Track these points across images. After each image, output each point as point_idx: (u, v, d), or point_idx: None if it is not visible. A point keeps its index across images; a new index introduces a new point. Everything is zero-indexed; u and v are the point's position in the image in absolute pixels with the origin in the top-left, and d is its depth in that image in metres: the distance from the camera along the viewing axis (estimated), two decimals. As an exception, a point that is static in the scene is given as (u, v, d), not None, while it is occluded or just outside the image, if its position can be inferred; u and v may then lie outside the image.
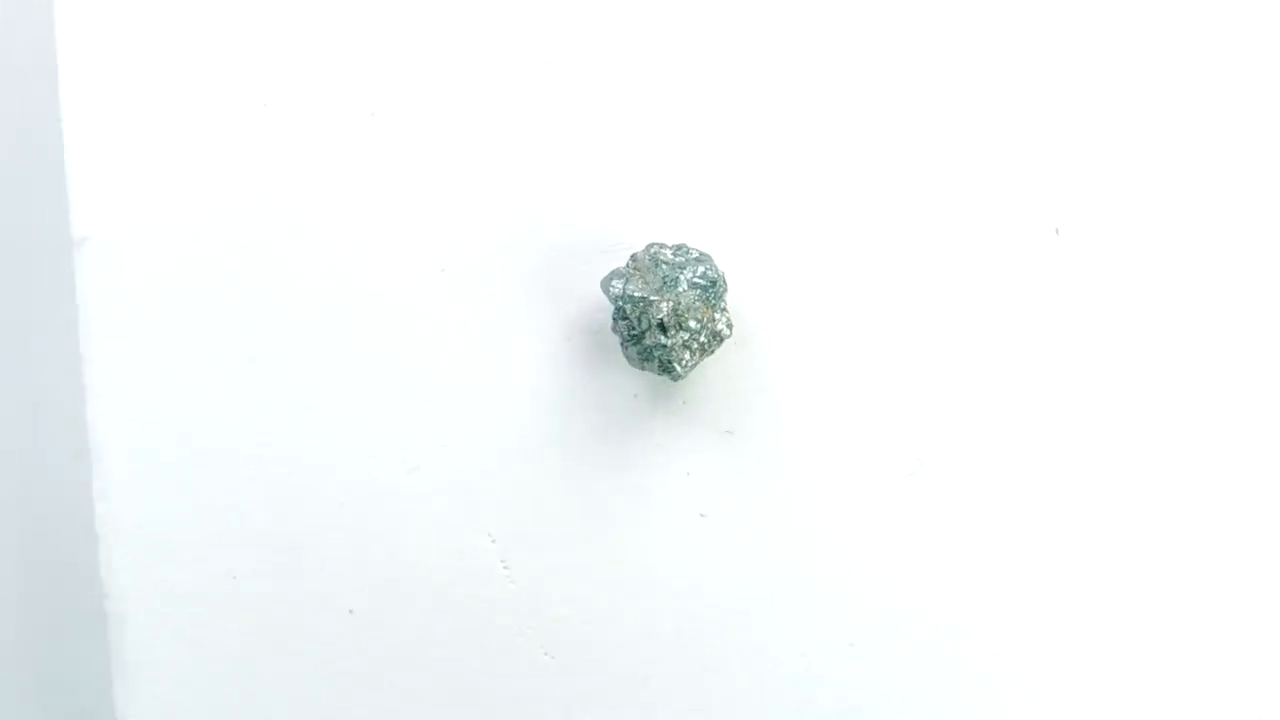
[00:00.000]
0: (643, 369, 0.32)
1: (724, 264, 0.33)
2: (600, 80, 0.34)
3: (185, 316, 0.35)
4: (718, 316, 0.32)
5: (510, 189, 0.34)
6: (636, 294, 0.32)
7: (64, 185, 0.34)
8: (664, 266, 0.32)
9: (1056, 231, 0.34)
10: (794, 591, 0.34)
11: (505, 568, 0.34)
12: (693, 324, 0.32)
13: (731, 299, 0.33)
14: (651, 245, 0.32)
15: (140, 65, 0.35)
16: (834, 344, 0.34)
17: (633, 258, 0.32)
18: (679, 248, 0.32)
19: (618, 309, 0.32)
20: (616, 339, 0.33)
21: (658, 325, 0.32)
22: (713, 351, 0.32)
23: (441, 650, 0.35)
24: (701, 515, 0.34)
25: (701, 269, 0.32)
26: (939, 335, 0.34)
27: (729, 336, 0.32)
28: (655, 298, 0.32)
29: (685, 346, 0.32)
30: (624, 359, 0.33)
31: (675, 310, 0.32)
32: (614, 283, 0.32)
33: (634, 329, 0.32)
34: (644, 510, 0.34)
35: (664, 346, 0.32)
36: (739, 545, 0.34)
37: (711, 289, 0.32)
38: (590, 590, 0.34)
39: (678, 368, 0.32)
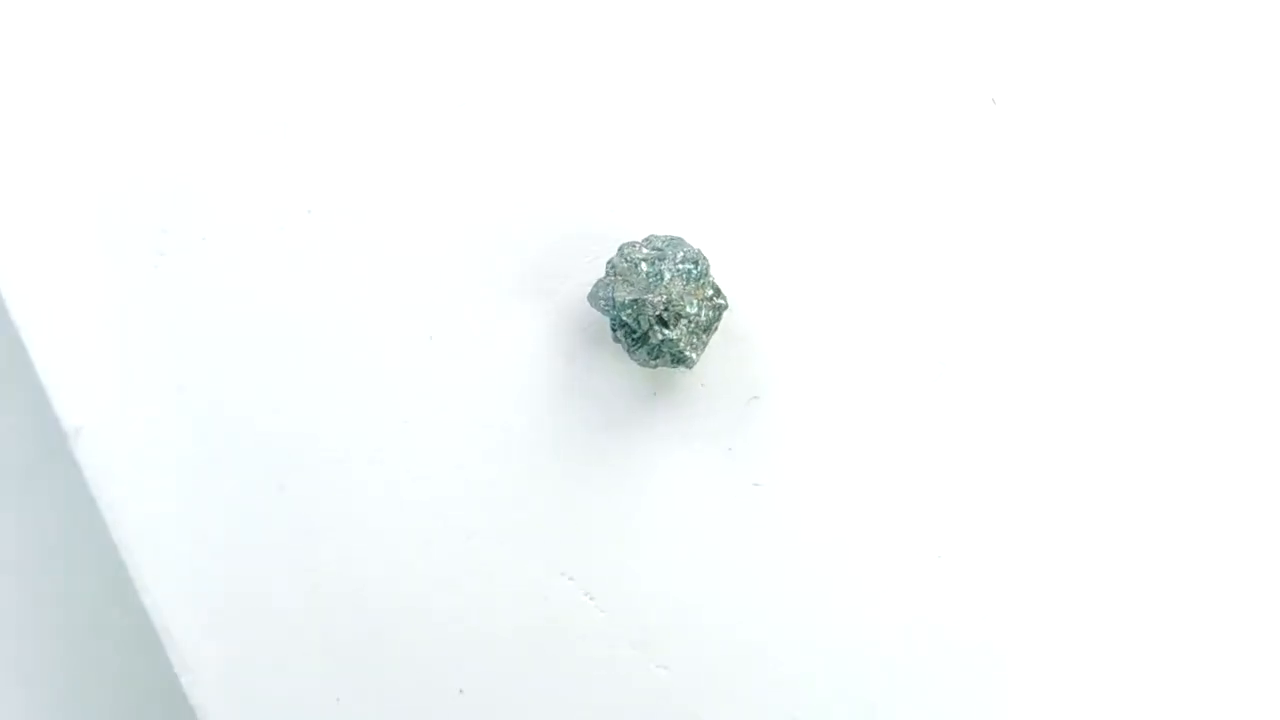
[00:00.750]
0: (655, 367, 0.33)
1: (708, 248, 0.34)
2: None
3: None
4: (710, 293, 0.32)
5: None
6: (628, 298, 0.32)
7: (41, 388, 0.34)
8: (644, 265, 0.32)
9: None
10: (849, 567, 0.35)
11: (588, 596, 0.35)
12: (690, 309, 0.32)
13: (722, 283, 0.33)
14: (623, 247, 0.33)
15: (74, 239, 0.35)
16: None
17: (610, 266, 0.33)
18: (648, 240, 0.33)
19: (614, 319, 0.32)
20: (620, 347, 0.33)
21: (658, 322, 0.32)
22: (716, 327, 0.33)
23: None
24: (755, 484, 0.35)
25: (680, 254, 0.32)
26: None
27: (726, 306, 0.33)
28: (648, 296, 0.32)
29: (691, 333, 0.32)
30: (632, 364, 0.33)
31: (669, 302, 0.32)
32: (602, 295, 0.32)
33: (635, 332, 0.32)
34: (692, 488, 0.35)
35: (670, 340, 0.32)
36: (793, 514, 0.35)
37: (695, 269, 0.32)
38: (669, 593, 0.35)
39: (690, 354, 0.32)
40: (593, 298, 0.33)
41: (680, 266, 0.32)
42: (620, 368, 0.34)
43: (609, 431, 0.34)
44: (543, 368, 0.35)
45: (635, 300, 0.32)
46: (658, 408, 0.34)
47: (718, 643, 0.34)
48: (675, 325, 0.32)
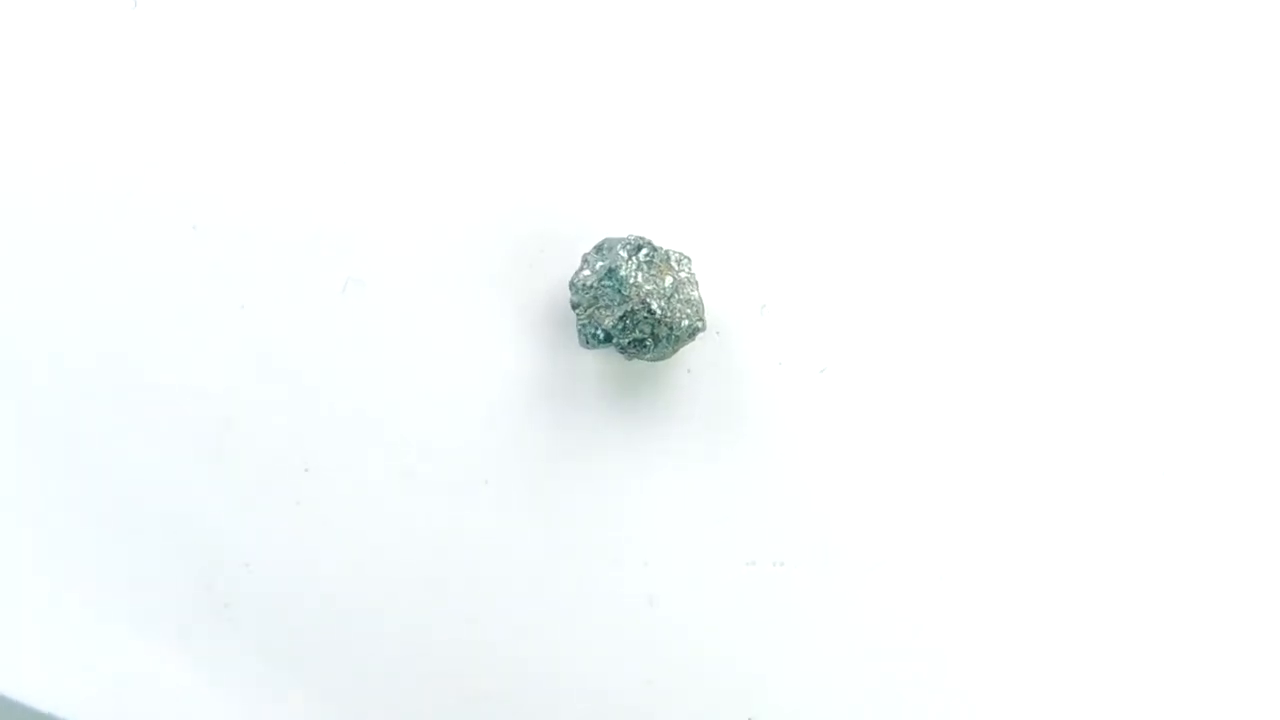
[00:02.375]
0: (678, 352, 0.34)
1: (688, 242, 0.35)
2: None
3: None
4: (674, 265, 0.33)
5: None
6: (619, 322, 0.33)
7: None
8: (606, 286, 0.33)
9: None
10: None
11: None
12: (668, 283, 0.33)
13: (703, 277, 0.34)
14: (574, 281, 0.33)
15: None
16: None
17: (577, 307, 0.33)
18: (588, 261, 0.33)
19: (620, 346, 0.33)
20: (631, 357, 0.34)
21: (657, 320, 0.33)
22: (695, 280, 0.33)
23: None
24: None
25: (626, 254, 0.33)
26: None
27: (689, 261, 0.33)
28: (638, 308, 0.33)
29: (684, 304, 0.33)
30: (650, 363, 0.34)
31: (655, 301, 0.33)
32: (598, 333, 0.33)
33: (646, 339, 0.33)
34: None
35: (680, 326, 0.33)
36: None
37: (652, 255, 0.33)
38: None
39: (698, 323, 0.33)
40: (589, 342, 0.33)
41: (639, 264, 0.33)
42: (604, 362, 0.35)
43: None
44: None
45: (626, 315, 0.33)
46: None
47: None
48: (670, 312, 0.33)
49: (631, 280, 0.33)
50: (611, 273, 0.33)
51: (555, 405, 0.35)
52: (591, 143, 0.36)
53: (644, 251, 0.33)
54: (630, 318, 0.33)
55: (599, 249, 0.33)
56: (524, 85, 0.36)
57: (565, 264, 0.35)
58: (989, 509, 0.35)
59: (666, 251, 0.33)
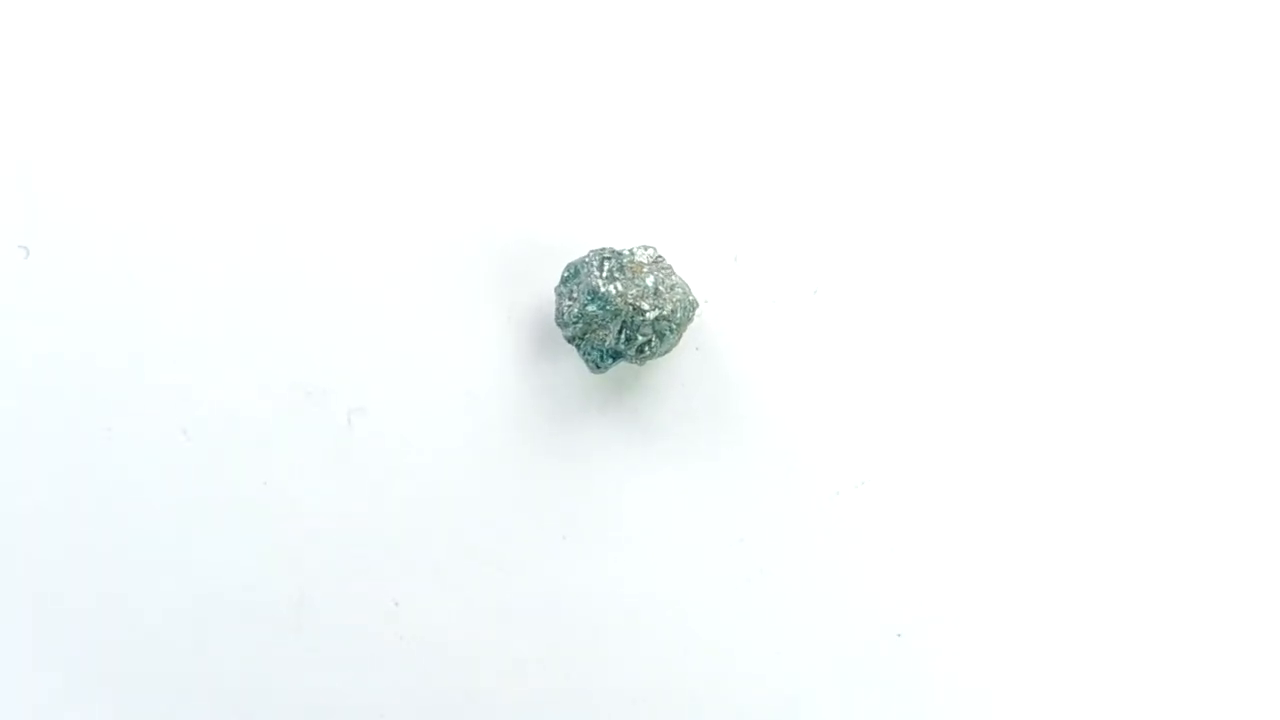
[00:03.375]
0: (681, 339, 0.34)
1: (673, 253, 0.35)
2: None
3: None
4: (644, 261, 0.33)
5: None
6: (619, 336, 0.33)
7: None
8: (593, 309, 0.33)
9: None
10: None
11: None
12: (650, 282, 0.33)
13: (689, 284, 0.35)
14: (560, 318, 0.33)
15: None
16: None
17: (574, 340, 0.33)
18: (563, 293, 0.33)
19: (630, 358, 0.33)
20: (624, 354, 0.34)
21: (654, 319, 0.33)
22: (670, 265, 0.34)
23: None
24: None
25: (597, 270, 0.33)
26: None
27: (654, 248, 0.34)
28: (633, 316, 0.33)
29: (670, 290, 0.33)
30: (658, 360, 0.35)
31: (645, 302, 0.33)
32: (605, 355, 0.33)
33: (650, 340, 0.33)
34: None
35: (676, 314, 0.33)
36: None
37: (620, 260, 0.33)
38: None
39: (692, 302, 0.34)
40: (596, 365, 0.33)
41: (610, 278, 0.33)
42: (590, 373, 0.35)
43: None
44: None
45: (620, 330, 0.33)
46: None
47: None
48: (660, 307, 0.33)
49: (614, 293, 0.33)
50: (593, 294, 0.33)
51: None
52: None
53: (610, 261, 0.33)
54: (629, 327, 0.33)
55: (566, 279, 0.33)
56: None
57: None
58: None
59: (630, 250, 0.33)
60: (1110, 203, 0.36)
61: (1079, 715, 0.35)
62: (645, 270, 0.33)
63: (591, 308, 0.33)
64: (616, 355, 0.33)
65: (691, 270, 0.35)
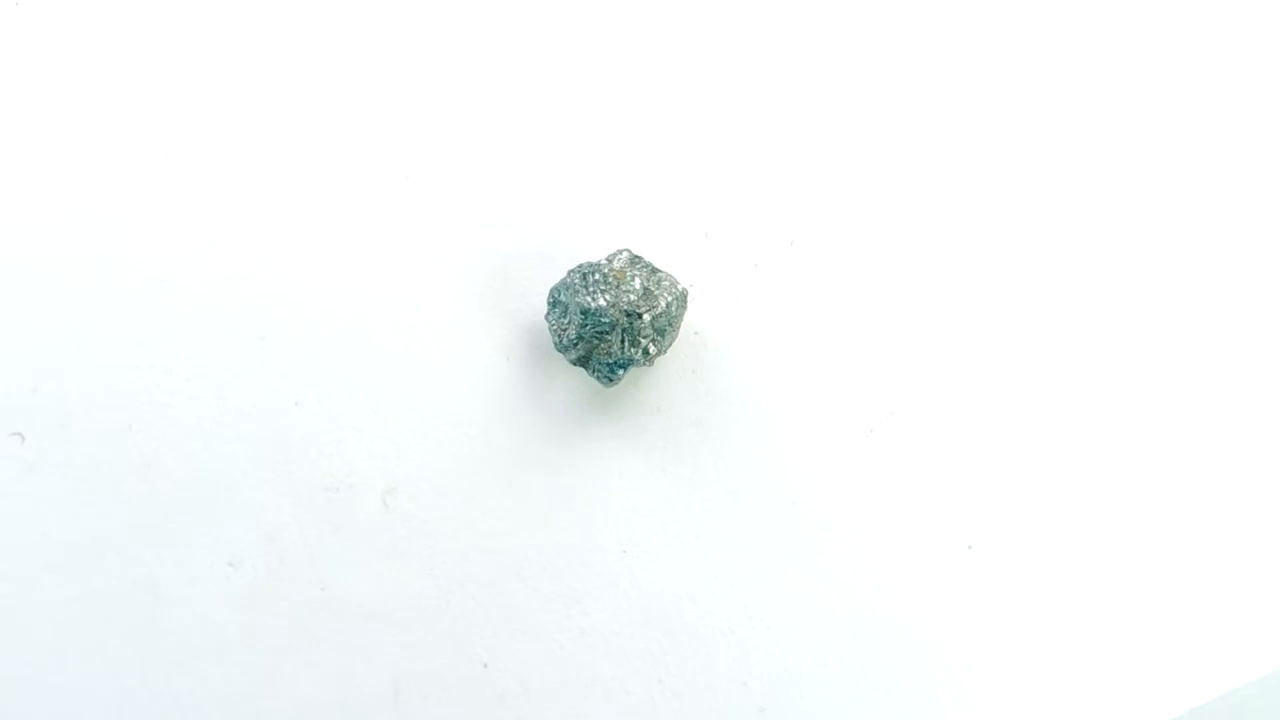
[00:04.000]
0: (677, 336, 0.34)
1: (668, 263, 0.35)
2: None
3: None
4: (622, 266, 0.33)
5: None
6: (622, 345, 0.33)
7: None
8: (591, 331, 0.33)
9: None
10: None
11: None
12: (637, 284, 0.33)
13: (685, 331, 0.35)
14: (561, 346, 0.33)
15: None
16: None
17: (581, 361, 0.33)
18: (555, 320, 0.33)
19: (639, 362, 0.33)
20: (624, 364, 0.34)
21: (650, 318, 0.33)
22: (648, 261, 0.34)
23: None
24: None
25: (583, 289, 0.33)
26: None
27: (628, 251, 0.34)
28: (632, 322, 0.33)
29: (658, 286, 0.33)
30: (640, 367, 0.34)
31: (640, 306, 0.33)
32: (618, 367, 0.33)
33: (653, 338, 0.33)
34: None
35: (671, 306, 0.33)
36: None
37: (601, 272, 0.33)
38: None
39: (680, 290, 0.34)
40: (608, 378, 0.33)
41: (593, 290, 0.33)
42: (577, 378, 0.35)
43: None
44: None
45: (623, 341, 0.33)
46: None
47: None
48: (651, 308, 0.33)
49: (606, 305, 0.33)
50: (586, 313, 0.33)
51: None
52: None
53: (591, 276, 0.33)
54: (630, 334, 0.33)
55: (553, 305, 0.33)
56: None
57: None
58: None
59: (607, 259, 0.33)
60: (1080, 136, 0.36)
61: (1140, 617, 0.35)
62: (628, 274, 0.33)
63: (589, 329, 0.33)
64: (626, 364, 0.33)
65: (667, 258, 0.35)
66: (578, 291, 0.33)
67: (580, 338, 0.33)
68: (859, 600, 0.34)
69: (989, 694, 0.34)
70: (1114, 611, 0.35)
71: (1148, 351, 0.36)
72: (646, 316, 0.33)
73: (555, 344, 0.33)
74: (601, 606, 0.34)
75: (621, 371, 0.33)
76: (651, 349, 0.33)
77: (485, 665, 0.34)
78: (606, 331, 0.33)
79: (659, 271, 0.33)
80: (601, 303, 0.33)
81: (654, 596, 0.34)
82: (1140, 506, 0.35)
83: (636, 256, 0.33)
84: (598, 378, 0.33)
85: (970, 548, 0.35)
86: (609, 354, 0.33)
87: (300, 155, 0.36)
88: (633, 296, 0.33)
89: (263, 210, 0.35)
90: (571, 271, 0.33)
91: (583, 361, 0.33)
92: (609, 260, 0.33)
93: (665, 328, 0.33)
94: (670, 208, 0.36)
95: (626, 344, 0.33)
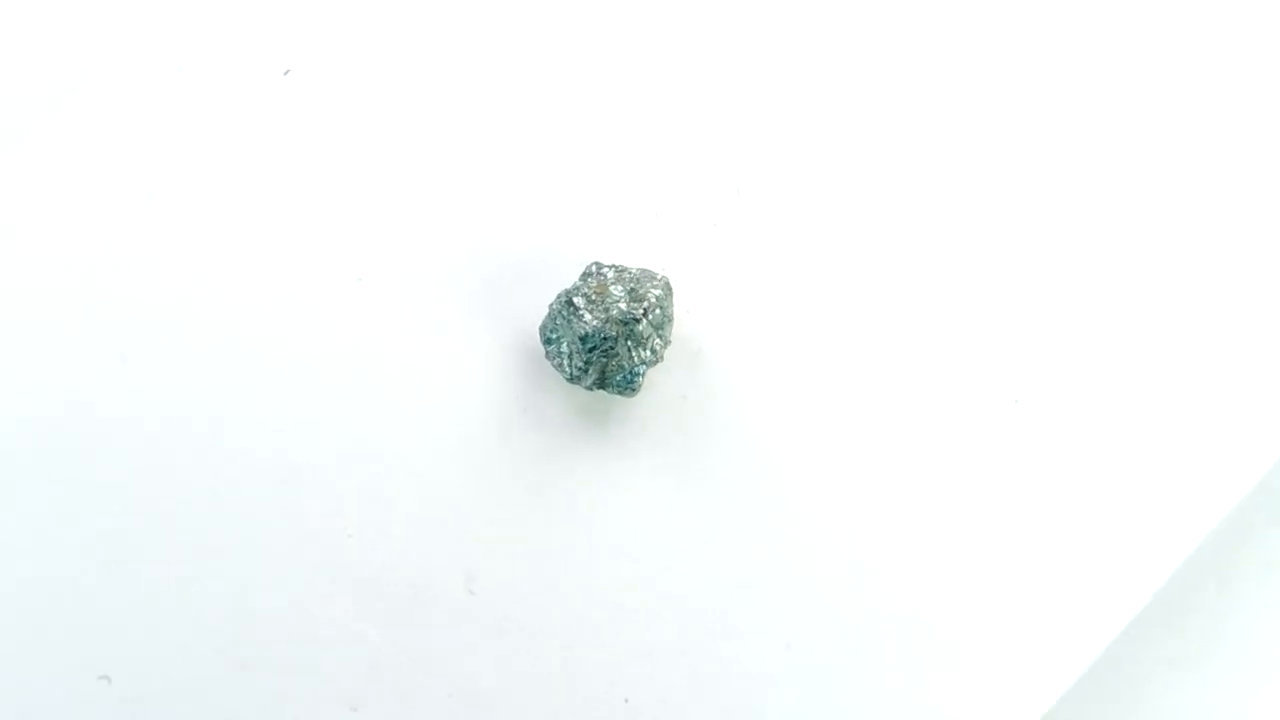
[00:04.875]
0: (665, 349, 0.34)
1: (602, 252, 0.35)
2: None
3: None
4: (601, 279, 0.33)
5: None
6: (629, 352, 0.33)
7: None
8: (594, 352, 0.33)
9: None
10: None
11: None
12: (622, 293, 0.33)
13: (678, 304, 0.35)
14: (571, 378, 0.33)
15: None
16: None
17: (593, 383, 0.33)
18: (557, 353, 0.33)
19: (651, 362, 0.33)
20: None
21: (642, 319, 0.33)
22: (621, 265, 0.34)
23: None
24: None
25: (572, 317, 0.33)
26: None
27: (598, 263, 0.34)
28: (630, 330, 0.33)
29: (639, 284, 0.33)
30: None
31: (633, 313, 0.33)
32: (632, 376, 0.33)
33: (652, 335, 0.33)
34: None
35: (661, 299, 0.33)
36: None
37: (584, 293, 0.33)
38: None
39: (661, 281, 0.34)
40: (627, 386, 0.33)
41: (579, 314, 0.33)
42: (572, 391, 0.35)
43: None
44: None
45: (628, 347, 0.33)
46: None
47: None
48: (638, 302, 0.33)
49: (602, 323, 0.32)
50: (585, 339, 0.33)
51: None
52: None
53: (576, 301, 0.33)
54: (634, 340, 0.33)
55: (550, 341, 0.33)
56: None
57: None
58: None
59: (582, 280, 0.33)
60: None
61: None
62: (608, 285, 0.33)
63: (592, 350, 0.33)
64: (640, 369, 0.33)
65: (631, 252, 0.35)
66: (568, 321, 0.33)
67: (588, 363, 0.33)
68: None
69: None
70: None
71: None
72: (644, 318, 0.33)
73: (566, 378, 0.33)
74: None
75: (640, 378, 0.33)
76: (658, 345, 0.33)
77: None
78: (611, 347, 0.33)
79: (632, 269, 0.33)
80: (594, 323, 0.32)
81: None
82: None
83: (610, 266, 0.33)
84: (621, 393, 0.33)
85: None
86: (620, 367, 0.33)
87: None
88: (622, 305, 0.33)
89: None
90: (552, 305, 0.33)
91: (599, 383, 0.33)
92: (584, 280, 0.33)
93: (663, 321, 0.33)
94: (610, 198, 0.36)
95: (634, 351, 0.33)
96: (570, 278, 0.35)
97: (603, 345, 0.32)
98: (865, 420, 0.35)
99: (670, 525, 0.34)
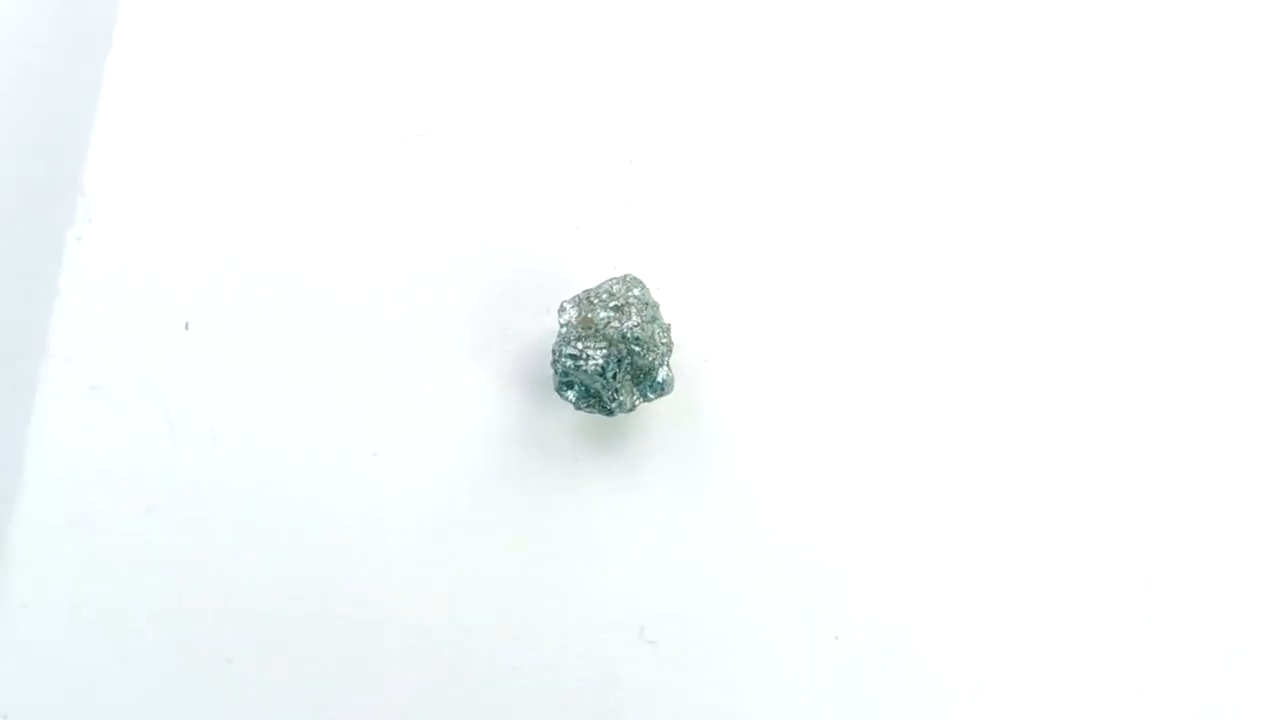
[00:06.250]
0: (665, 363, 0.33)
1: (658, 293, 0.34)
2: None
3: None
4: (591, 303, 0.33)
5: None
6: (637, 374, 0.33)
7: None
8: (600, 377, 0.32)
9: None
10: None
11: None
12: (609, 315, 0.32)
13: (675, 322, 0.34)
14: (581, 408, 0.33)
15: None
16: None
17: (604, 408, 0.33)
18: (563, 378, 0.33)
19: (663, 379, 0.33)
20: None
21: (645, 328, 0.32)
22: (603, 287, 0.33)
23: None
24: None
25: (578, 363, 0.32)
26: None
27: (575, 294, 0.33)
28: (633, 348, 0.32)
29: (622, 295, 0.33)
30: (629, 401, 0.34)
31: (630, 331, 0.32)
32: (652, 391, 0.33)
33: (656, 350, 0.33)
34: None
35: (650, 308, 0.33)
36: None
37: (575, 334, 0.32)
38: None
39: (641, 279, 0.33)
40: (646, 392, 0.33)
41: (583, 354, 0.32)
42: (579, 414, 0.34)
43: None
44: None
45: (638, 365, 0.32)
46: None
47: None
48: (630, 316, 0.32)
49: (604, 354, 0.32)
50: (599, 375, 0.32)
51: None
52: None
53: (574, 341, 0.32)
54: (639, 356, 0.32)
55: (563, 387, 0.33)
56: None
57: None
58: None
59: (563, 325, 0.33)
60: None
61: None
62: (594, 309, 0.32)
63: (613, 384, 0.32)
64: (661, 365, 0.33)
65: (598, 271, 0.35)
66: (576, 364, 0.32)
67: (598, 388, 0.32)
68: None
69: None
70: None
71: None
72: (641, 333, 0.32)
73: (606, 413, 0.33)
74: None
75: (659, 389, 0.33)
76: (663, 352, 0.33)
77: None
78: (627, 373, 0.32)
79: (610, 285, 0.33)
80: (599, 356, 0.32)
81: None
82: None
83: (584, 294, 0.33)
84: (655, 398, 0.33)
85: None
86: (650, 372, 0.33)
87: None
88: (616, 324, 0.32)
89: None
90: (555, 354, 0.33)
91: (627, 410, 0.33)
92: (565, 325, 0.32)
93: (655, 315, 0.33)
94: (561, 215, 0.35)
95: (642, 368, 0.32)
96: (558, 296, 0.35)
97: (617, 372, 0.32)
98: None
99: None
